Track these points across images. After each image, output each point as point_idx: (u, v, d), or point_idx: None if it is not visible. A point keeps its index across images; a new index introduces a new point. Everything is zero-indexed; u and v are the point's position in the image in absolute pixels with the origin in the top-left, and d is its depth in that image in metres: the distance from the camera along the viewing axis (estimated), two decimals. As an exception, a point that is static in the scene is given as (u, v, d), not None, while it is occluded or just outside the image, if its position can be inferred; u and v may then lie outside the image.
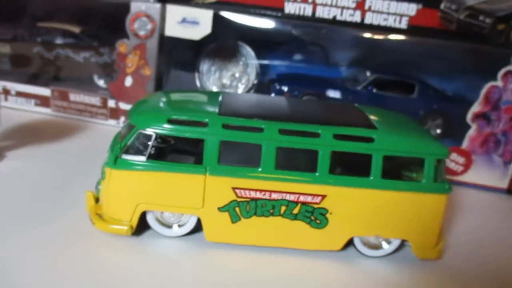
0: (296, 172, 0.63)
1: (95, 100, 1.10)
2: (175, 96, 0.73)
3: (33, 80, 1.17)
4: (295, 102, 0.73)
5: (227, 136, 0.61)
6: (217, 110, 0.65)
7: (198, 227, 0.66)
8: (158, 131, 0.62)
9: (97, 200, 0.68)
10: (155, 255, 0.64)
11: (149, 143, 0.62)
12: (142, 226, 0.66)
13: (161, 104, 0.68)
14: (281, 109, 0.68)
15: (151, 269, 0.60)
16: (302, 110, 0.69)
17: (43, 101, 1.12)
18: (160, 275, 0.59)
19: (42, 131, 1.03)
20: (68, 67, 1.19)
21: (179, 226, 0.67)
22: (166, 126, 0.62)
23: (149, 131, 0.62)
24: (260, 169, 0.62)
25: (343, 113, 0.70)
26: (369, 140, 0.63)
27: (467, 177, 1.01)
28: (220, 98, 0.71)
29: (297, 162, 0.63)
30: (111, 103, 1.09)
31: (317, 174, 0.62)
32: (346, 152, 0.62)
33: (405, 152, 0.63)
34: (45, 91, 1.12)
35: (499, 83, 0.94)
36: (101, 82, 1.18)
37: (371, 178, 0.63)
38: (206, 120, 0.62)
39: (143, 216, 0.65)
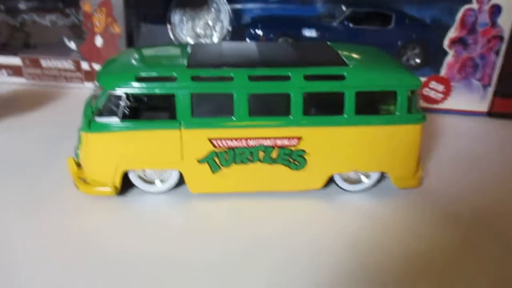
0: (270, 117, 0.63)
1: (67, 64, 1.07)
2: (143, 53, 0.71)
3: (2, 49, 1.14)
4: (265, 46, 0.72)
5: (197, 88, 0.61)
6: (185, 63, 0.64)
7: (181, 181, 0.67)
8: (127, 90, 0.61)
9: (78, 165, 0.68)
10: (141, 213, 0.65)
11: (121, 103, 0.62)
12: (127, 185, 0.68)
13: (129, 62, 0.67)
14: (250, 55, 0.67)
15: (138, 228, 0.62)
16: (272, 54, 0.68)
17: (15, 71, 1.10)
18: (147, 233, 0.61)
19: (18, 102, 1.02)
20: (36, 33, 1.16)
21: (162, 181, 0.68)
22: (135, 84, 0.61)
23: (119, 91, 0.61)
24: (234, 118, 0.62)
25: (313, 53, 0.69)
26: (340, 78, 0.62)
27: (447, 104, 1.01)
28: (188, 50, 0.69)
29: (270, 107, 0.63)
30: (85, 65, 1.07)
31: (291, 117, 0.63)
32: (318, 92, 0.62)
33: (377, 86, 0.63)
34: (16, 60, 1.09)
35: (474, 5, 0.93)
36: (72, 44, 1.15)
37: (345, 115, 0.63)
38: (175, 74, 0.61)
39: (126, 174, 0.66)
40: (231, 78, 0.61)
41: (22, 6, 1.15)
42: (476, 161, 0.83)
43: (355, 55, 0.69)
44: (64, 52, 1.12)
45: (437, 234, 0.62)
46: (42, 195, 0.68)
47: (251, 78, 0.61)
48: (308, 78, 0.62)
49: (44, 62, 1.08)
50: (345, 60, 0.66)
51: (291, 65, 0.63)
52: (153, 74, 0.62)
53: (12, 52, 1.10)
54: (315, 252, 0.58)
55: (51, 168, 0.74)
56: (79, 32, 1.12)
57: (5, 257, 0.56)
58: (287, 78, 0.62)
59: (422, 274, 0.55)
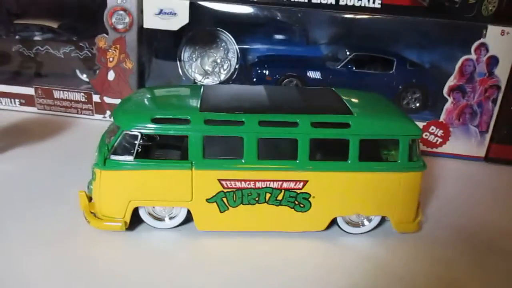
0: (277, 161, 0.66)
1: (79, 95, 1.11)
2: (157, 93, 0.75)
3: (15, 78, 1.18)
4: (273, 90, 0.76)
5: (209, 131, 0.64)
6: (198, 105, 0.67)
7: (189, 217, 0.70)
8: (143, 130, 0.64)
9: (90, 199, 0.70)
10: (149, 247, 0.67)
11: (135, 142, 0.64)
12: (135, 220, 0.70)
13: (144, 103, 0.70)
14: (260, 99, 0.71)
15: (146, 261, 0.64)
16: (280, 99, 0.72)
17: (27, 100, 1.13)
18: (155, 266, 0.63)
19: (30, 131, 1.05)
20: (49, 63, 1.20)
21: (171, 218, 0.70)
22: (150, 125, 0.64)
23: (134, 131, 0.64)
24: (243, 161, 0.65)
25: (320, 100, 0.73)
26: (346, 126, 0.66)
27: (446, 148, 1.05)
28: (200, 92, 0.73)
29: (278, 151, 0.66)
30: (96, 97, 1.10)
31: (297, 161, 0.66)
32: (324, 138, 0.65)
33: (380, 134, 0.66)
34: (28, 90, 1.13)
35: (472, 56, 0.97)
36: (84, 76, 1.19)
37: (349, 161, 0.66)
38: (189, 117, 0.64)
39: (135, 210, 0.68)
40: (242, 123, 0.64)
41: (37, 37, 1.20)
42: (473, 205, 0.86)
43: (359, 103, 0.73)
44: (75, 83, 1.15)
45: (435, 276, 0.64)
46: (51, 227, 0.69)
47: (261, 123, 0.65)
48: (315, 125, 0.65)
49: (56, 93, 1.12)
50: (350, 107, 0.69)
51: (299, 111, 0.67)
52: (168, 116, 0.65)
53: (24, 81, 1.13)
54: (318, 294, 0.60)
55: (60, 199, 0.76)
56: (91, 64, 1.16)
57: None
58: (295, 124, 0.65)
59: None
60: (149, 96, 0.73)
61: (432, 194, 0.88)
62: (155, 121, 0.64)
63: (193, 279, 0.61)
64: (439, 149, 1.05)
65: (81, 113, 1.12)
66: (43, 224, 0.70)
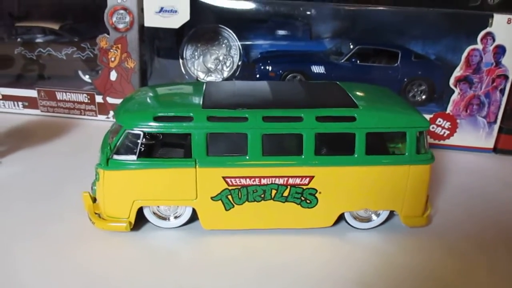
0: (282, 157, 0.64)
1: (82, 97, 1.10)
2: (159, 91, 0.74)
3: (18, 81, 1.17)
4: (277, 85, 0.75)
5: (213, 128, 0.63)
6: (201, 102, 0.66)
7: (194, 216, 0.69)
8: (145, 129, 0.63)
9: (94, 200, 0.70)
10: (154, 247, 0.66)
11: (138, 141, 0.64)
12: (140, 220, 0.69)
13: (146, 101, 0.69)
14: (263, 95, 0.70)
15: (151, 262, 0.63)
16: (284, 94, 0.70)
17: (30, 103, 1.13)
18: (160, 266, 0.62)
19: (34, 133, 1.04)
20: (51, 65, 1.20)
21: (176, 217, 0.69)
22: (153, 124, 0.63)
23: (137, 130, 0.63)
24: (247, 157, 0.64)
25: (325, 94, 0.72)
26: (351, 119, 0.64)
27: (453, 141, 1.03)
28: (203, 89, 0.72)
29: (283, 146, 0.65)
30: (99, 98, 1.10)
31: (303, 156, 0.64)
32: (329, 132, 0.64)
33: (386, 127, 0.65)
34: (31, 93, 1.12)
35: (479, 45, 0.95)
36: (86, 77, 1.18)
37: (356, 155, 0.65)
38: (191, 114, 0.63)
39: (140, 209, 0.67)
40: (245, 119, 0.63)
41: (39, 39, 1.19)
42: (484, 197, 0.84)
43: (364, 96, 0.72)
44: (78, 84, 1.15)
45: (446, 270, 0.63)
46: (55, 228, 0.69)
47: (265, 119, 0.63)
48: (320, 119, 0.64)
49: (59, 95, 1.11)
50: (355, 101, 0.68)
51: (303, 106, 0.65)
52: (171, 114, 0.64)
53: (27, 84, 1.13)
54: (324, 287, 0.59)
55: (64, 200, 0.76)
56: (93, 65, 1.15)
57: (22, 293, 0.57)
58: (299, 119, 0.64)
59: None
60: (151, 94, 0.72)
61: (441, 187, 0.87)
62: (157, 119, 0.63)
63: (199, 279, 0.60)
64: (447, 142, 1.03)
65: (84, 114, 1.12)
66: (47, 225, 0.70)
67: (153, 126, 0.63)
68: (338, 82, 0.78)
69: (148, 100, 0.70)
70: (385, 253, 0.67)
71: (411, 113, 0.67)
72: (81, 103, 1.11)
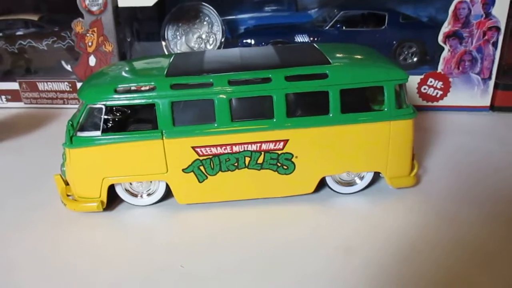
0: (253, 121, 0.61)
1: (63, 85, 1.08)
2: (126, 65, 0.71)
3: (6, 77, 1.16)
4: (248, 51, 0.71)
5: (177, 96, 0.60)
6: (165, 72, 0.63)
7: (170, 192, 0.66)
8: (107, 102, 0.60)
9: (66, 182, 0.68)
10: (129, 226, 0.64)
11: (101, 116, 0.61)
12: (115, 199, 0.67)
13: (110, 75, 0.66)
14: (232, 60, 0.66)
15: (127, 240, 0.61)
16: (254, 58, 0.67)
17: (13, 96, 1.11)
18: (136, 245, 0.60)
19: (17, 125, 1.03)
20: (34, 57, 1.18)
21: (149, 194, 0.67)
22: (114, 96, 0.60)
23: (99, 104, 0.61)
24: (216, 124, 0.61)
25: (296, 54, 0.68)
26: (323, 76, 0.61)
27: (447, 101, 0.98)
28: (171, 59, 0.69)
29: (253, 110, 0.61)
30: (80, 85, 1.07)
31: (274, 120, 0.61)
32: (301, 92, 0.61)
33: (361, 82, 0.61)
34: (13, 85, 1.10)
35: (466, -3, 0.90)
36: (69, 67, 1.16)
37: (331, 115, 0.61)
38: (153, 83, 0.60)
39: (112, 188, 0.65)
40: (210, 84, 0.60)
41: (19, 32, 1.17)
42: (478, 157, 0.80)
43: (340, 54, 0.68)
44: (62, 74, 1.13)
45: (436, 234, 0.59)
46: (32, 214, 0.67)
47: (231, 83, 0.60)
48: (289, 78, 0.60)
49: (41, 85, 1.09)
50: (329, 58, 0.64)
51: (273, 67, 0.62)
52: (132, 84, 0.61)
53: (14, 78, 1.12)
54: (309, 257, 0.55)
55: (44, 187, 0.74)
56: (75, 53, 1.13)
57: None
58: (268, 80, 0.60)
59: (421, 275, 0.52)
60: (116, 69, 0.69)
61: (433, 149, 0.83)
62: (118, 91, 0.60)
63: (176, 257, 0.57)
64: (440, 103, 0.99)
65: (67, 103, 1.10)
66: (24, 211, 0.68)
67: (115, 99, 0.60)
68: (315, 44, 0.74)
69: (113, 74, 0.67)
70: (372, 216, 0.63)
71: (388, 66, 0.63)
72: (63, 91, 1.09)
